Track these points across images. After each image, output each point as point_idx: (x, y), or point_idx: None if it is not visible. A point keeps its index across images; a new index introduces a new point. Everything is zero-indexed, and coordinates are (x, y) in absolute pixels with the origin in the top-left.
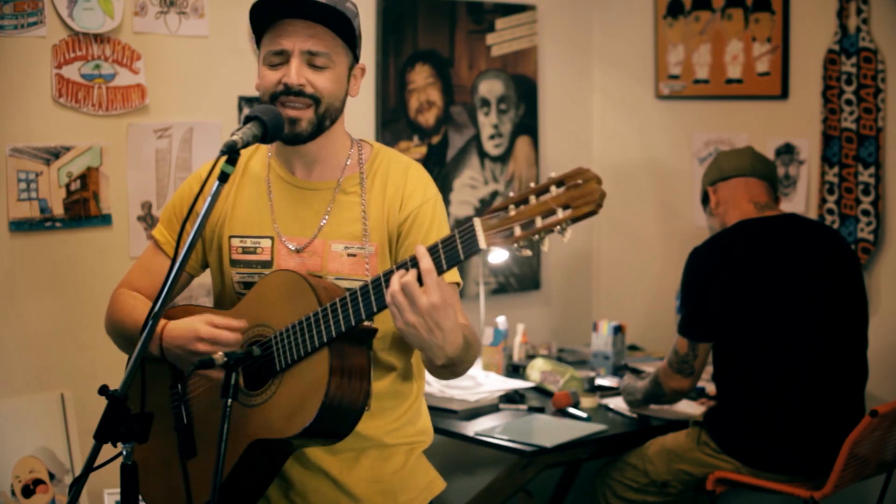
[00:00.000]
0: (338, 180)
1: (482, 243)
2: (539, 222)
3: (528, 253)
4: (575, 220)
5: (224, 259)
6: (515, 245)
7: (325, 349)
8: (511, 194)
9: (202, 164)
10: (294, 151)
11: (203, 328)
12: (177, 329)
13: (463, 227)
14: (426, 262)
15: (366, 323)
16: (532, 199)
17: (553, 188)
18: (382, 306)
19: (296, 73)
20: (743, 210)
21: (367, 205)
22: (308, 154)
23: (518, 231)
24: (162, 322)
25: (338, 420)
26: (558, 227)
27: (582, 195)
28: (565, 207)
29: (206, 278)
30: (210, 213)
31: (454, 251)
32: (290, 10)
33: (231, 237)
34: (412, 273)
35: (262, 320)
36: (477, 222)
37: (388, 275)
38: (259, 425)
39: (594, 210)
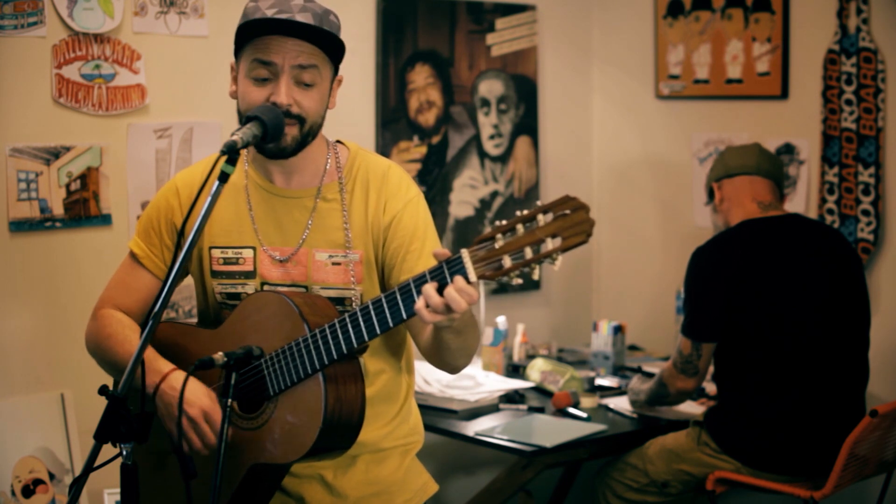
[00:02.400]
0: (318, 188)
1: (472, 275)
2: (529, 253)
3: (520, 282)
4: (565, 250)
5: (205, 270)
6: (506, 277)
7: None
8: (497, 223)
9: None
10: (272, 160)
11: (198, 412)
12: (178, 385)
13: (451, 259)
14: (419, 303)
15: None
16: (520, 228)
17: (540, 216)
18: (374, 334)
19: (285, 92)
20: (747, 209)
21: (349, 211)
22: (287, 164)
23: (508, 262)
24: (169, 367)
25: (338, 437)
26: (549, 259)
27: (572, 225)
28: (554, 237)
29: None
30: (210, 214)
31: (444, 284)
32: (281, 29)
33: (211, 248)
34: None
35: (248, 343)
36: (465, 254)
37: (377, 303)
38: (257, 450)
39: (585, 240)
